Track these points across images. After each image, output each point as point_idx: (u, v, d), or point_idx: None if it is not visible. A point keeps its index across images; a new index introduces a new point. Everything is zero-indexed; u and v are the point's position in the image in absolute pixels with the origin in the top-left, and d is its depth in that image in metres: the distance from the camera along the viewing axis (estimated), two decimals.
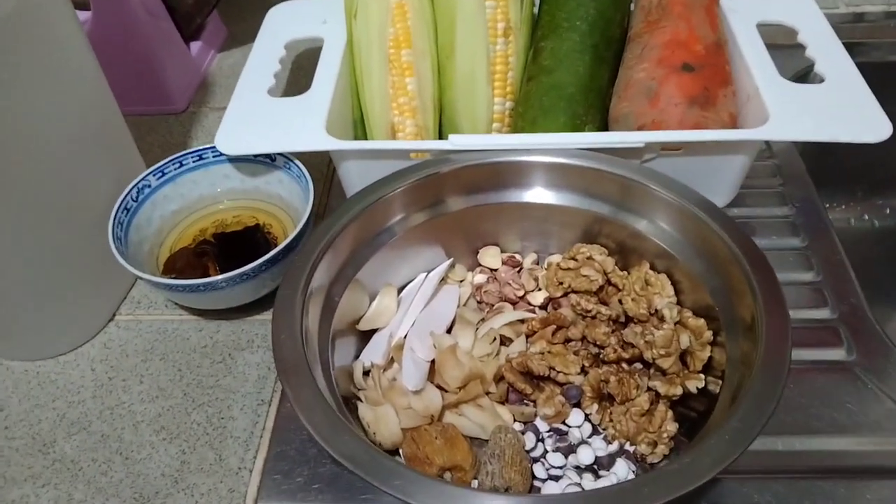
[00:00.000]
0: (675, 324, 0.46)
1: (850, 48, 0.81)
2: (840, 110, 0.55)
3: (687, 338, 0.45)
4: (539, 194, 0.52)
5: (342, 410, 0.41)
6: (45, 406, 0.52)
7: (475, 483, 0.43)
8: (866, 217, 0.89)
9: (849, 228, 0.89)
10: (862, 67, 0.74)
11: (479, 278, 0.55)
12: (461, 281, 0.55)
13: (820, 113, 0.54)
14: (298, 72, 0.79)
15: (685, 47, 0.57)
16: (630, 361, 0.47)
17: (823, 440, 0.48)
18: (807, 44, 0.62)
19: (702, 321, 0.46)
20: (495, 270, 0.55)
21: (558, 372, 0.47)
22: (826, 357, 0.52)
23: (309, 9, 0.69)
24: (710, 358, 0.45)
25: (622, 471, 0.43)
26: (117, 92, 0.59)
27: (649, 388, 0.46)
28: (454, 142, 0.53)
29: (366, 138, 0.63)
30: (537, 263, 0.56)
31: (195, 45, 0.81)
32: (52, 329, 0.54)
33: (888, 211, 0.88)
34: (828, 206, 0.89)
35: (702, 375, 0.45)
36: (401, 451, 0.44)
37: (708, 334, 0.45)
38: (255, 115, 0.58)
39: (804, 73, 0.74)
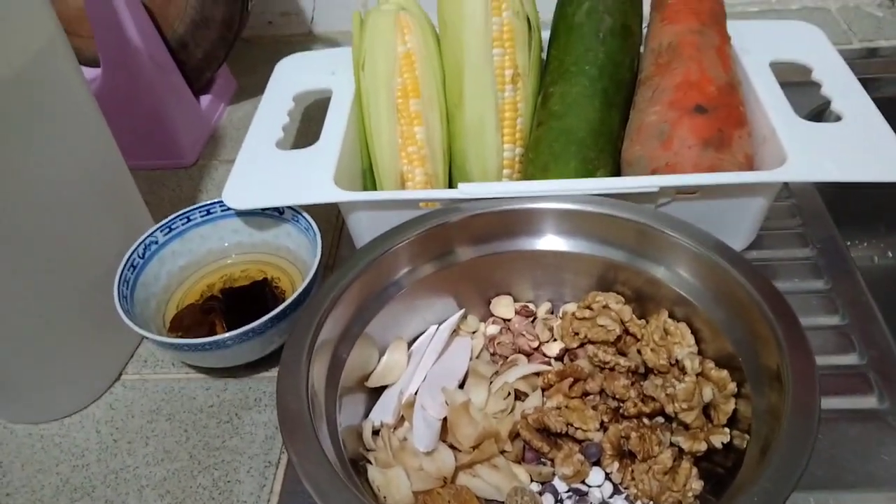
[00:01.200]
0: (697, 375, 0.44)
1: (865, 84, 0.80)
2: (860, 149, 0.53)
3: (710, 390, 0.43)
4: (551, 242, 0.51)
5: (349, 474, 0.40)
6: (49, 471, 0.50)
7: None
8: (890, 254, 0.86)
9: (872, 267, 0.86)
10: (877, 103, 0.72)
11: (492, 329, 0.53)
12: (474, 332, 0.54)
13: (839, 152, 0.53)
14: (309, 122, 0.79)
15: (697, 89, 0.56)
16: (651, 416, 0.45)
17: (858, 496, 0.45)
18: (822, 82, 0.61)
19: (725, 373, 0.44)
20: (508, 320, 0.54)
21: (576, 428, 0.45)
22: (856, 406, 0.50)
23: (318, 60, 0.70)
24: (735, 410, 0.43)
25: None
26: (127, 146, 0.59)
27: (672, 444, 0.44)
28: (463, 190, 0.52)
29: (375, 187, 0.63)
30: (552, 312, 0.55)
31: (205, 99, 0.82)
32: (57, 390, 0.53)
33: None
34: (849, 243, 0.86)
35: (727, 429, 0.43)
36: None
37: (732, 386, 0.43)
38: (263, 169, 0.57)
39: (820, 111, 0.73)
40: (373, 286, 0.48)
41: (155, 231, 0.57)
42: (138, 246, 0.55)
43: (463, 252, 0.51)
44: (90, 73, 0.73)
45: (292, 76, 0.68)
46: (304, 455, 0.38)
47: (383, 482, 0.42)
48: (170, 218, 0.58)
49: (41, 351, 0.51)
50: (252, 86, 0.87)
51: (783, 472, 0.35)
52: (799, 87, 0.62)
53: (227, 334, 0.48)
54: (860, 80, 0.62)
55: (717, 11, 0.62)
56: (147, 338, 0.49)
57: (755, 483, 0.35)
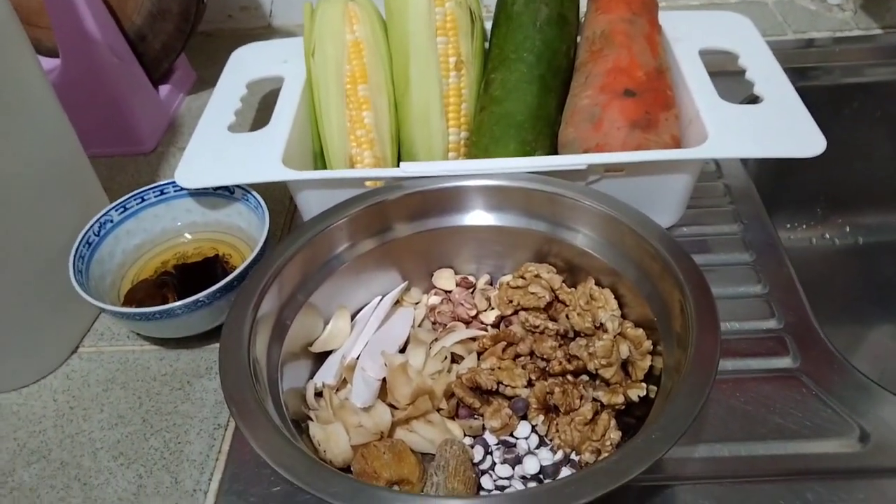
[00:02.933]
0: (616, 335, 0.48)
1: (803, 72, 0.84)
2: (776, 128, 0.57)
3: (626, 347, 0.47)
4: (483, 217, 0.54)
5: (290, 430, 0.43)
6: (6, 437, 0.52)
7: None
8: (827, 236, 0.91)
9: (810, 247, 0.91)
10: (816, 90, 0.76)
11: (434, 300, 0.56)
12: (417, 303, 0.57)
13: (757, 131, 0.57)
14: (266, 110, 0.81)
15: (627, 74, 0.60)
16: (575, 374, 0.48)
17: (768, 445, 0.49)
18: (747, 67, 0.64)
19: (640, 331, 0.47)
20: (449, 292, 0.57)
21: (506, 386, 0.48)
22: (772, 366, 0.54)
23: (271, 49, 0.72)
24: (652, 367, 0.47)
25: None
26: (87, 134, 0.61)
27: (594, 399, 0.47)
28: (404, 169, 0.55)
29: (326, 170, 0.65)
30: (491, 284, 0.58)
31: (164, 89, 0.84)
32: (16, 362, 0.55)
33: (848, 229, 0.91)
34: (789, 226, 0.91)
35: (643, 384, 0.46)
36: (352, 467, 0.45)
37: (647, 344, 0.47)
38: (215, 151, 0.60)
39: (753, 99, 0.76)
40: (315, 259, 0.51)
41: (110, 210, 0.59)
42: (93, 224, 0.58)
43: (401, 228, 0.54)
44: (50, 63, 0.75)
45: (246, 64, 0.71)
46: (247, 415, 0.40)
47: (323, 437, 0.45)
48: (124, 198, 0.60)
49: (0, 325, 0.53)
50: (211, 77, 0.88)
51: (678, 417, 0.38)
52: (735, 76, 0.66)
53: (177, 304, 0.51)
54: (796, 69, 0.65)
55: (648, 1, 0.65)
56: (101, 308, 0.52)
57: (653, 425, 0.38)
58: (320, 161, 0.66)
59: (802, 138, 0.56)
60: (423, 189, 0.53)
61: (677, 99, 0.62)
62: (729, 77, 0.65)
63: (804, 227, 0.91)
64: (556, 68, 0.64)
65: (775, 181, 0.86)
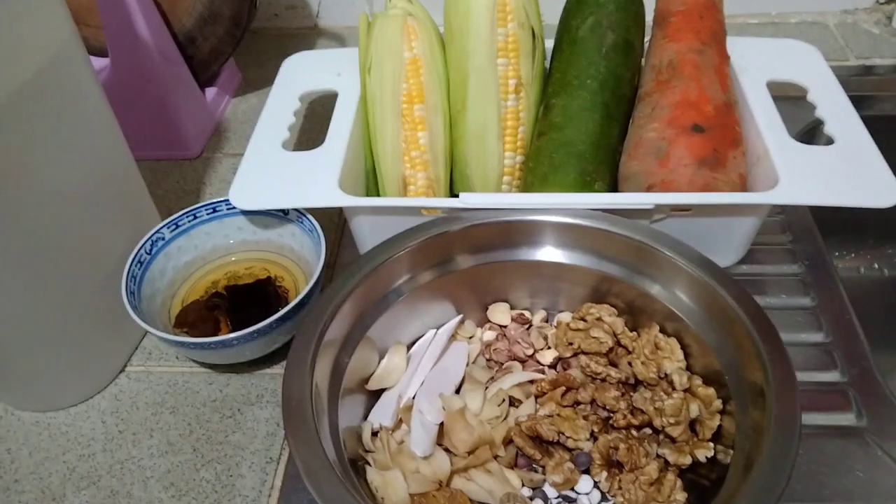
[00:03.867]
0: (685, 392, 0.46)
1: (859, 101, 0.81)
2: (849, 174, 0.55)
3: (696, 407, 0.45)
4: (549, 253, 0.53)
5: (348, 475, 0.42)
6: (56, 459, 0.52)
7: None
8: (876, 266, 0.89)
9: (858, 277, 0.89)
10: (870, 120, 0.74)
11: (489, 335, 0.55)
12: (470, 337, 0.55)
13: (829, 176, 0.55)
14: (313, 119, 0.80)
15: (695, 108, 0.58)
16: (639, 427, 0.47)
17: None
18: (817, 103, 0.62)
19: (711, 390, 0.46)
20: (505, 327, 0.55)
21: (568, 437, 0.47)
22: (836, 422, 0.52)
23: (324, 60, 0.70)
24: (719, 426, 0.45)
25: None
26: (133, 137, 0.60)
27: (658, 456, 0.46)
28: (465, 200, 0.54)
29: (377, 188, 0.64)
30: (547, 321, 0.56)
31: (210, 91, 0.82)
32: (64, 380, 0.54)
33: None
34: (837, 254, 0.89)
35: (711, 444, 0.45)
36: None
37: (717, 403, 0.45)
38: (269, 170, 0.58)
39: (813, 128, 0.74)
40: (375, 292, 0.50)
41: (162, 228, 0.58)
42: (146, 242, 0.56)
43: (463, 260, 0.53)
44: (97, 63, 0.74)
45: (298, 75, 0.69)
46: (306, 453, 0.40)
47: (381, 484, 0.44)
48: (176, 215, 0.59)
49: (49, 342, 0.52)
50: (257, 79, 0.88)
51: (765, 488, 0.37)
52: (795, 101, 0.64)
53: (232, 335, 0.49)
54: (855, 97, 0.63)
55: (718, 31, 0.63)
56: (154, 334, 0.51)
57: (739, 499, 0.37)
58: (371, 179, 0.65)
59: (876, 186, 0.54)
60: (490, 221, 0.52)
61: (744, 134, 0.60)
62: (789, 103, 0.63)
63: (853, 255, 0.89)
64: (620, 97, 0.62)
65: (826, 207, 0.85)
